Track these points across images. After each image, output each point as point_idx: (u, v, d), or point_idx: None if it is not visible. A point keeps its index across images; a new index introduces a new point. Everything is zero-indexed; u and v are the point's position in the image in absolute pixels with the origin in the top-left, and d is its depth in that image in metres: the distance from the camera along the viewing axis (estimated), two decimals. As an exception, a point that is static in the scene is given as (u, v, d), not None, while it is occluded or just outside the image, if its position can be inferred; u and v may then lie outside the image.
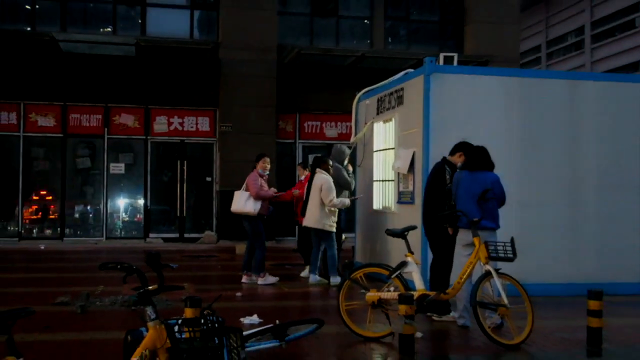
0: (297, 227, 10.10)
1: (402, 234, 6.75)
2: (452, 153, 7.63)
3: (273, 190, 10.24)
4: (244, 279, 10.11)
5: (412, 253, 6.64)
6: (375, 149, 10.92)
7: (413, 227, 7.00)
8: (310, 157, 18.35)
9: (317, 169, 10.05)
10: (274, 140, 17.46)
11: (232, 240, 16.67)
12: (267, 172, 10.17)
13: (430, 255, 7.82)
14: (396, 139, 9.90)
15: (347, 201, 10.03)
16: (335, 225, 9.94)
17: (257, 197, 9.83)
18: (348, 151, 10.51)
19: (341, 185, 10.24)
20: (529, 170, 9.25)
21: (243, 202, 9.84)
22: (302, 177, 11.26)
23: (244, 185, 10.02)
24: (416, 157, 9.09)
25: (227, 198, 17.24)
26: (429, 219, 7.62)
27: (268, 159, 10.19)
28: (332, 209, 9.90)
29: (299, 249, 11.22)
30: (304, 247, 10.97)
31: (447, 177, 7.47)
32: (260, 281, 9.92)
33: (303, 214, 10.06)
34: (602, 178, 9.49)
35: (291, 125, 18.39)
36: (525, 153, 9.27)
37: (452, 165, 7.55)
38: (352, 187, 10.52)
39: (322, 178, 9.88)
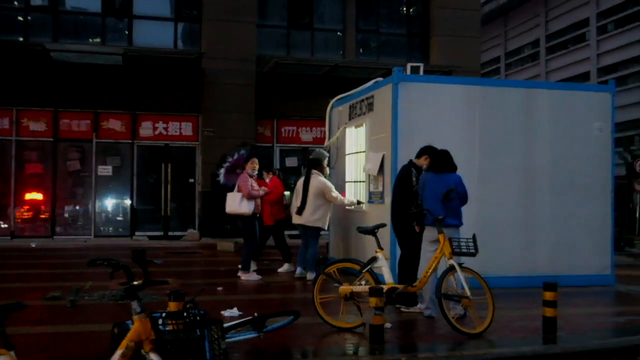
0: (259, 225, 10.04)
1: (372, 231, 6.74)
2: (418, 156, 7.64)
3: (264, 189, 10.16)
4: (251, 275, 9.94)
5: (381, 249, 6.64)
6: (347, 152, 10.94)
7: (383, 225, 7.00)
8: (286, 160, 18.57)
9: (313, 171, 9.94)
10: (254, 144, 17.36)
11: (214, 237, 16.60)
12: (256, 172, 10.10)
13: (398, 251, 7.83)
14: (367, 143, 9.90)
15: (354, 200, 10.01)
16: (325, 223, 9.95)
17: (249, 197, 9.72)
18: (327, 155, 10.45)
19: None
20: (489, 172, 9.30)
21: (237, 203, 9.72)
22: (268, 180, 11.12)
23: (236, 187, 9.90)
24: (385, 160, 9.10)
25: (209, 198, 17.51)
26: (398, 218, 7.63)
27: (257, 160, 10.08)
28: (329, 209, 9.90)
29: (278, 246, 11.18)
30: (280, 245, 10.98)
31: (414, 178, 7.48)
32: (243, 277, 9.86)
33: (300, 213, 9.92)
34: (555, 179, 9.55)
35: (269, 130, 18.35)
36: (486, 155, 9.31)
37: (418, 168, 7.57)
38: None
39: (320, 181, 9.80)
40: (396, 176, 8.00)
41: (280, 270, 10.75)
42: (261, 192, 9.99)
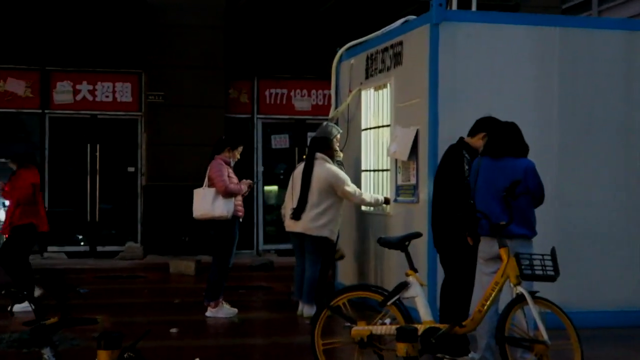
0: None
1: (401, 244, 6.77)
2: (472, 133, 7.68)
3: (247, 182, 10.27)
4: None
5: (415, 271, 6.66)
6: (363, 126, 10.95)
7: (417, 235, 7.04)
8: (275, 140, 18.58)
9: (318, 155, 9.96)
10: (223, 116, 17.49)
11: (165, 254, 16.68)
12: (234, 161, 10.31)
13: (441, 274, 7.88)
14: (392, 113, 9.92)
15: (380, 197, 10.07)
16: (334, 231, 10.00)
17: (226, 194, 9.84)
18: (338, 131, 10.45)
19: None
20: (574, 155, 9.30)
21: (210, 203, 9.83)
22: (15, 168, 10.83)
23: (206, 180, 10.04)
24: (420, 138, 9.11)
25: (158, 196, 17.56)
26: (440, 224, 7.68)
27: (240, 148, 10.33)
28: (340, 211, 9.99)
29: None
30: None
31: (466, 166, 7.50)
32: (210, 312, 9.98)
33: (297, 217, 9.91)
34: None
35: (246, 95, 18.39)
36: (569, 132, 9.31)
37: (472, 150, 7.59)
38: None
39: (328, 170, 9.81)
40: (438, 162, 8.04)
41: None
42: (243, 187, 10.10)
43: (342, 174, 9.95)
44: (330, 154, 10.04)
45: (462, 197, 7.36)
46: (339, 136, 10.40)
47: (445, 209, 7.61)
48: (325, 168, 9.89)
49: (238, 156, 10.29)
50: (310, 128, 17.16)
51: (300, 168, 10.15)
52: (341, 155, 10.55)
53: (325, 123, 10.70)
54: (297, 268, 10.19)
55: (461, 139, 7.78)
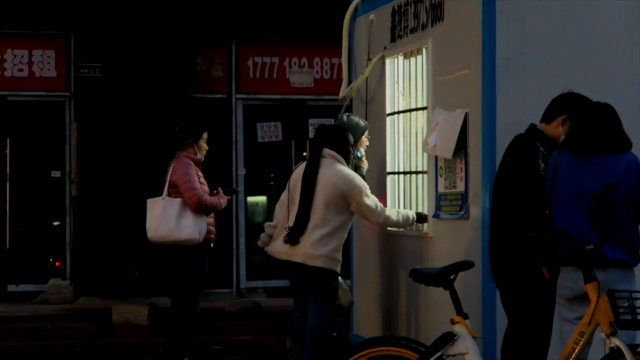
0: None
1: (443, 278, 6.81)
2: (547, 118, 7.65)
3: (221, 198, 10.33)
4: None
5: (464, 316, 6.70)
6: (389, 110, 10.98)
7: (466, 265, 7.08)
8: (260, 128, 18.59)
9: (327, 153, 9.90)
10: (188, 97, 17.65)
11: (104, 296, 16.77)
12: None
13: (502, 320, 7.90)
14: (430, 89, 9.95)
15: (412, 214, 10.11)
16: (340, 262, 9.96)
17: (199, 208, 9.92)
18: (364, 125, 10.50)
19: None
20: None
21: (174, 221, 9.90)
22: None
23: (166, 187, 10.17)
24: (471, 126, 9.12)
25: (94, 212, 17.56)
26: (502, 248, 7.61)
27: (205, 136, 10.51)
28: (343, 232, 9.92)
29: None
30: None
31: (542, 164, 7.44)
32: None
33: (294, 242, 9.85)
34: None
35: (220, 67, 18.52)
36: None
37: (548, 141, 7.57)
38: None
39: (340, 174, 9.70)
40: (499, 160, 8.01)
41: None
42: (222, 201, 10.27)
43: (359, 179, 9.79)
44: (345, 152, 9.91)
45: (535, 210, 7.29)
46: (367, 133, 10.51)
47: (509, 227, 7.48)
48: (335, 171, 9.74)
49: (206, 147, 10.40)
50: (313, 112, 17.31)
51: (299, 170, 10.02)
52: (366, 165, 10.61)
53: (346, 115, 10.74)
54: (296, 314, 10.09)
55: (532, 126, 7.73)
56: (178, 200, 9.93)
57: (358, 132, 10.25)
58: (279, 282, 15.84)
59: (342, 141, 9.93)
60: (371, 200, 9.70)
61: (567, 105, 7.53)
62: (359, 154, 10.54)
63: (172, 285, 10.25)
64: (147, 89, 17.16)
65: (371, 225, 10.35)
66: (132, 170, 16.44)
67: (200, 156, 10.30)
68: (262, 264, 17.87)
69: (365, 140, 10.43)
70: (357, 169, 10.33)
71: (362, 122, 10.44)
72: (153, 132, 16.49)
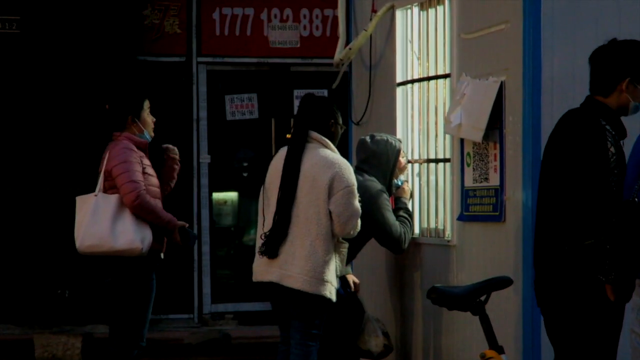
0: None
1: (471, 299, 7.01)
2: (609, 83, 7.62)
3: (175, 225, 10.38)
4: None
5: (499, 350, 6.83)
6: (399, 78, 11.17)
7: (502, 282, 7.22)
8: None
9: (313, 135, 9.88)
10: (134, 59, 17.82)
11: (23, 324, 16.84)
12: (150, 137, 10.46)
13: (547, 355, 7.94)
14: (454, 51, 10.15)
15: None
16: (335, 286, 9.85)
17: (136, 208, 9.95)
18: (396, 145, 10.62)
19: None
20: None
21: (107, 225, 9.94)
22: None
23: (100, 180, 10.22)
24: (508, 98, 9.31)
25: (4, 213, 17.61)
26: (551, 261, 7.62)
27: (149, 103, 10.60)
28: (343, 249, 9.93)
29: None
30: None
31: (611, 147, 7.43)
32: None
33: (273, 255, 9.85)
34: None
35: (177, 20, 18.60)
36: None
37: (613, 117, 7.61)
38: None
39: (327, 159, 9.80)
40: (549, 143, 7.95)
41: None
42: (174, 223, 10.28)
43: (349, 170, 9.72)
44: (332, 136, 9.87)
45: (601, 209, 7.31)
46: (403, 152, 10.76)
47: (562, 232, 7.51)
48: (322, 158, 9.80)
49: (152, 119, 10.47)
50: (299, 81, 17.44)
51: (279, 159, 10.07)
52: (408, 194, 10.83)
53: (369, 137, 10.74)
54: (281, 347, 10.12)
55: (590, 98, 7.75)
56: (114, 198, 9.94)
57: (392, 156, 10.43)
58: (254, 306, 15.88)
59: (325, 116, 9.92)
60: (356, 204, 9.64)
61: (628, 61, 7.57)
62: (399, 182, 10.74)
63: (111, 310, 10.24)
64: (79, 50, 17.25)
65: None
66: (58, 159, 16.63)
67: (147, 135, 10.33)
68: (232, 282, 18.07)
69: (402, 162, 10.52)
70: (397, 201, 10.63)
71: (392, 141, 10.57)
72: (86, 108, 16.58)
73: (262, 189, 10.19)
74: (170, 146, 10.70)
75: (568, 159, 7.58)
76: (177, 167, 10.70)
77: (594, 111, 7.61)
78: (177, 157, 10.65)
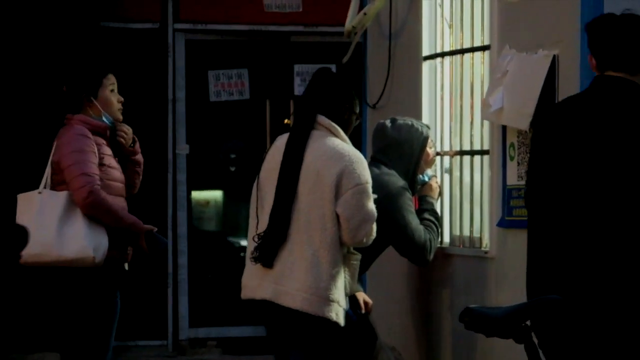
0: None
1: (514, 324, 6.89)
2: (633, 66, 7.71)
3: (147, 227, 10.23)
4: None
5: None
6: (426, 52, 11.63)
7: (552, 303, 6.86)
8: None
9: (321, 120, 9.78)
10: (99, 25, 17.86)
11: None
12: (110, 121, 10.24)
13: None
14: (495, 17, 10.45)
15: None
16: (343, 307, 9.79)
17: (88, 207, 9.77)
18: (423, 131, 11.01)
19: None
20: None
21: (53, 228, 9.95)
22: None
23: (47, 172, 10.17)
24: (562, 76, 9.55)
25: None
26: (621, 277, 7.40)
27: (113, 79, 10.45)
28: (353, 261, 9.83)
29: None
30: None
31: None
32: None
33: (266, 262, 9.72)
34: None
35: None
36: None
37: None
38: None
39: (336, 148, 9.65)
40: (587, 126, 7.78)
41: None
42: (143, 226, 10.16)
43: (363, 163, 9.70)
44: (346, 125, 9.80)
45: None
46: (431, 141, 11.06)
47: (630, 241, 7.41)
48: (330, 148, 9.68)
49: (118, 99, 10.38)
50: (300, 53, 17.88)
51: (277, 148, 10.00)
52: (436, 192, 11.05)
53: (390, 120, 11.01)
54: None
55: None
56: (62, 195, 9.86)
57: (417, 145, 10.53)
58: (243, 331, 15.93)
59: (340, 99, 9.81)
60: (370, 205, 9.58)
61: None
62: (425, 178, 11.06)
63: (63, 334, 10.10)
64: (31, 14, 17.22)
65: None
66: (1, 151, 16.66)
67: (110, 117, 10.16)
68: (216, 301, 17.94)
69: (430, 153, 10.65)
70: (422, 201, 10.92)
71: (418, 127, 10.75)
72: (37, 87, 16.75)
73: (254, 186, 10.02)
74: (119, 124, 10.47)
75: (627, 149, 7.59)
76: (137, 157, 10.53)
77: None
78: (129, 136, 10.43)
